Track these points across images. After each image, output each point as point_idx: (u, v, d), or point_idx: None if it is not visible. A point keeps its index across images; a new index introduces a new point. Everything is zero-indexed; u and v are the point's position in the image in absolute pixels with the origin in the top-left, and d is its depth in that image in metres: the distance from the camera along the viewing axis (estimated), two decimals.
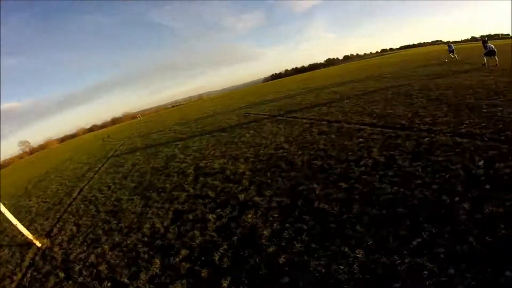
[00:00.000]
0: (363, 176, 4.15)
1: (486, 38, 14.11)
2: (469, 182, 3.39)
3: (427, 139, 4.92)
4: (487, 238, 2.47)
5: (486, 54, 13.08)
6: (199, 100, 62.23)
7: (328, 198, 3.80)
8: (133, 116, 74.04)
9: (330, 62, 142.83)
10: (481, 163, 3.75)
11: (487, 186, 3.21)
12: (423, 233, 2.72)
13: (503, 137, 4.41)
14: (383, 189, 3.68)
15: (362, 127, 6.54)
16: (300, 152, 5.87)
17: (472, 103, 6.65)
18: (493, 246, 2.37)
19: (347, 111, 8.59)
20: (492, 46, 13.03)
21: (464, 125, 5.24)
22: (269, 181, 4.83)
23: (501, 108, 5.77)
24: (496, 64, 12.40)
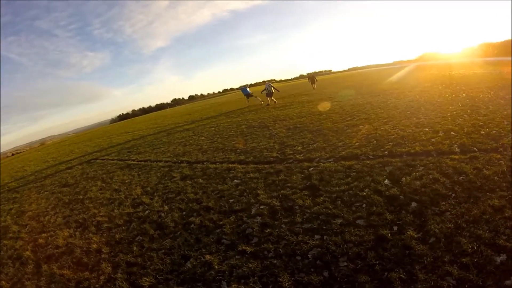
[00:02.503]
0: (266, 230, 3.00)
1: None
2: (391, 205, 2.89)
3: (312, 168, 4.39)
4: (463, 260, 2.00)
5: (267, 95, 15.55)
6: (40, 146, 51.18)
7: (236, 274, 2.48)
8: None
9: (176, 102, 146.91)
10: (386, 181, 3.42)
11: (414, 204, 2.81)
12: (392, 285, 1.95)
13: (386, 152, 4.44)
14: (303, 242, 2.66)
15: (231, 165, 5.52)
16: (167, 208, 4.22)
17: (332, 126, 7.08)
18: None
19: (206, 149, 7.55)
20: (271, 86, 15.59)
21: (340, 148, 5.16)
22: (139, 259, 3.07)
23: (361, 127, 6.28)
24: (274, 102, 15.47)
